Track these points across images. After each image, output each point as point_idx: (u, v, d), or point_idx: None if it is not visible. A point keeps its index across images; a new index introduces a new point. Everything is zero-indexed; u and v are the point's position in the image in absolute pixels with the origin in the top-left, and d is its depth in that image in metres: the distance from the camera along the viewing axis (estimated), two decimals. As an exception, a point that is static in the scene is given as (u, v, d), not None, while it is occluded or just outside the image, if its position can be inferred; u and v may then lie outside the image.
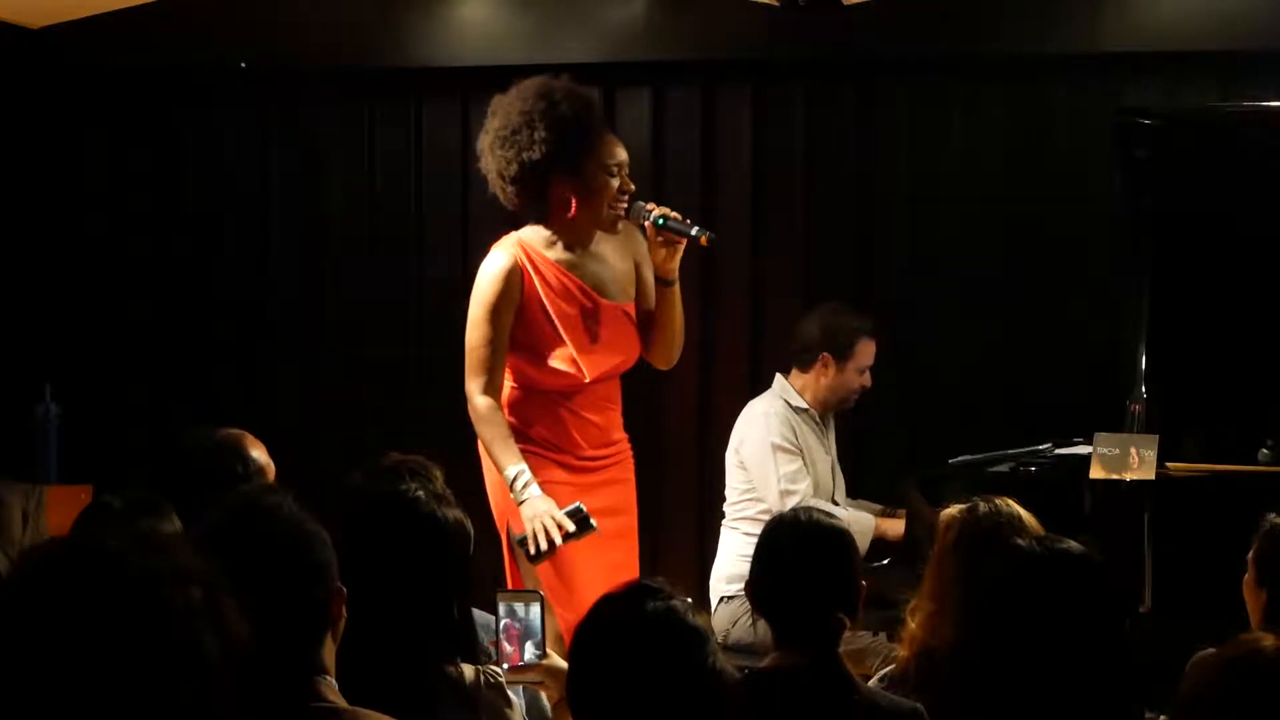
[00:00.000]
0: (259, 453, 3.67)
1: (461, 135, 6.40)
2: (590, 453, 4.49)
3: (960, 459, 5.01)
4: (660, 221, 4.35)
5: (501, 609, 3.26)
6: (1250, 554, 3.39)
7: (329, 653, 2.45)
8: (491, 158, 4.42)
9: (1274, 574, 3.32)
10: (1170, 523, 4.53)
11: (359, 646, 2.59)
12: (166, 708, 1.63)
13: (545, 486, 4.32)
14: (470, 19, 6.25)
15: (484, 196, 6.43)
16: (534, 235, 4.46)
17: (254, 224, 6.53)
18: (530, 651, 3.24)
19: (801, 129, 6.19)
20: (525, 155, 4.34)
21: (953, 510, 3.48)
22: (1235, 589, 3.40)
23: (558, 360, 4.40)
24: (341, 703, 2.43)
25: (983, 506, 3.43)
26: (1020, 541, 2.85)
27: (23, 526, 5.53)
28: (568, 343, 4.40)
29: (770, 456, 5.22)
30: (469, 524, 3.03)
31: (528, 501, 4.22)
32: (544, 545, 4.17)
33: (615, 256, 4.51)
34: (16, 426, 6.23)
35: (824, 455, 5.38)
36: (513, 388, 4.47)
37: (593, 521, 4.21)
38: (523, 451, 4.35)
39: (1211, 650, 2.45)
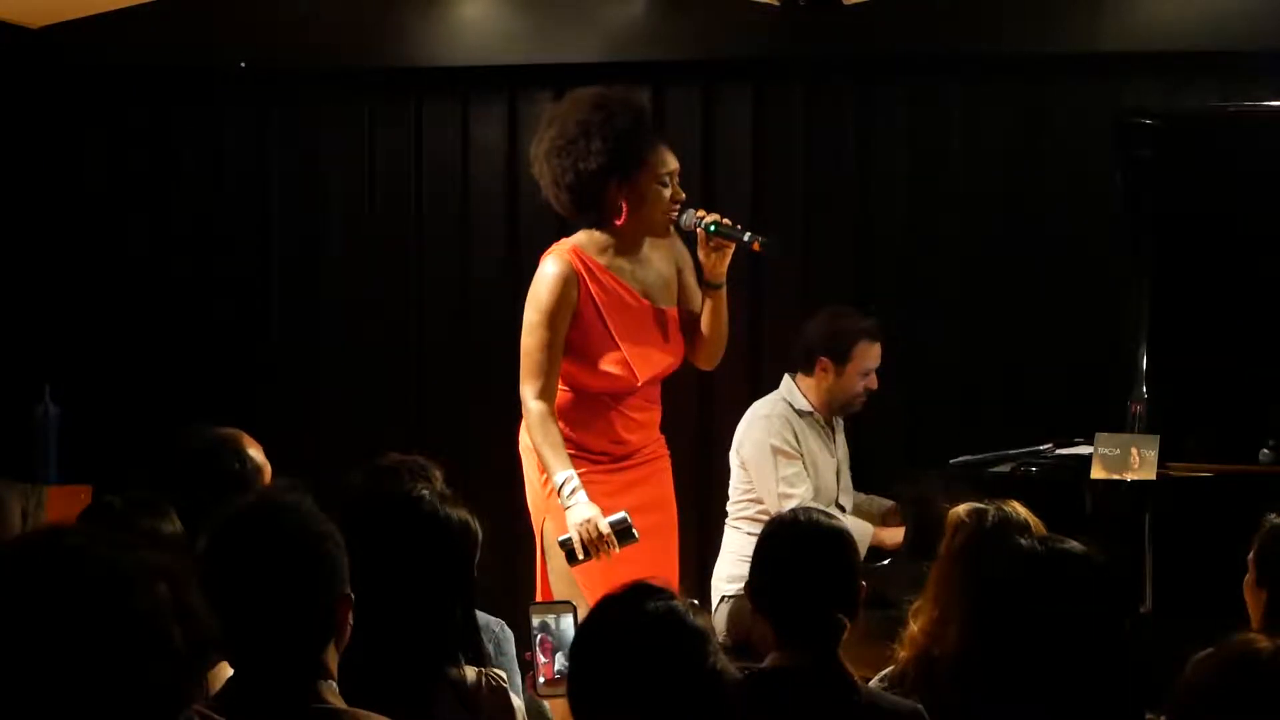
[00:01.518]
0: (256, 452, 3.68)
1: (461, 135, 6.41)
2: (635, 450, 4.60)
3: (960, 459, 5.01)
4: (712, 228, 4.47)
5: (535, 622, 3.25)
6: (1250, 554, 3.39)
7: (332, 657, 2.46)
8: (547, 166, 4.51)
9: (1274, 574, 3.32)
10: (1170, 523, 4.54)
11: (360, 647, 2.58)
12: (130, 702, 1.63)
13: (591, 487, 4.42)
14: (470, 19, 6.25)
15: (484, 196, 6.48)
16: (587, 241, 4.55)
17: (254, 224, 6.53)
18: (562, 664, 3.23)
19: (801, 129, 6.19)
20: (581, 165, 4.44)
21: (959, 513, 3.47)
22: (1235, 589, 3.40)
23: (610, 364, 4.50)
24: (341, 705, 2.43)
25: (990, 511, 3.42)
26: (1022, 541, 2.85)
27: (23, 526, 5.53)
28: (620, 346, 4.50)
29: (769, 459, 5.22)
30: (476, 523, 3.02)
31: (575, 508, 4.34)
32: (587, 554, 4.33)
33: (661, 262, 4.64)
34: (16, 426, 6.23)
35: (828, 458, 5.37)
36: (563, 391, 4.52)
37: (635, 532, 4.33)
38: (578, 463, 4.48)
39: (1211, 650, 2.45)
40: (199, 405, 6.26)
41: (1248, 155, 5.10)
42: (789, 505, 4.98)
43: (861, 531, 5.13)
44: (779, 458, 5.22)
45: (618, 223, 4.49)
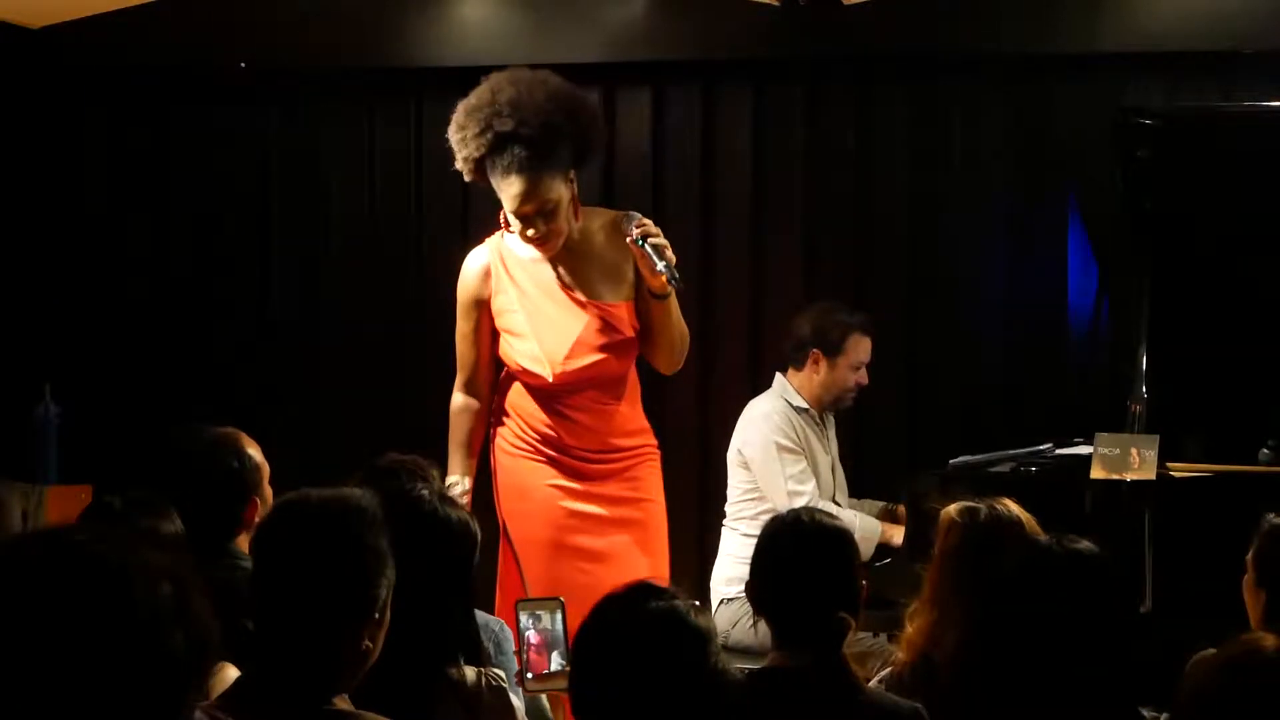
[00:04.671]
0: (254, 451, 3.68)
1: (461, 135, 6.40)
2: (585, 454, 4.46)
3: (960, 459, 5.01)
4: (640, 242, 4.30)
5: (523, 618, 3.26)
6: (1250, 554, 3.39)
7: (350, 672, 2.46)
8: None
9: (1274, 574, 3.32)
10: (1170, 523, 4.53)
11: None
12: (133, 702, 1.63)
13: (539, 489, 4.40)
14: (470, 19, 6.25)
15: (484, 196, 6.47)
16: (512, 234, 4.47)
17: (254, 224, 6.53)
18: (556, 660, 3.23)
19: (801, 129, 6.19)
20: (462, 164, 4.42)
21: (951, 512, 3.47)
22: (1235, 589, 3.40)
23: (525, 358, 4.42)
24: (350, 708, 2.44)
25: (983, 510, 3.42)
26: (1038, 539, 2.85)
27: (23, 526, 5.53)
28: (533, 340, 4.40)
29: (775, 458, 5.22)
30: (475, 524, 3.02)
31: None
32: None
33: (611, 255, 4.45)
34: (16, 426, 6.23)
35: (824, 455, 5.37)
36: (515, 383, 4.49)
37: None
38: (518, 451, 4.44)
39: (1211, 650, 2.45)
40: (199, 405, 6.26)
41: (1248, 155, 5.10)
42: (799, 502, 4.98)
43: (870, 528, 5.13)
44: (785, 455, 5.22)
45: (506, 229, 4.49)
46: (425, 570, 2.87)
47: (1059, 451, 4.98)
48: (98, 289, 6.53)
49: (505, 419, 4.50)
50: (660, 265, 4.26)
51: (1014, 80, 6.07)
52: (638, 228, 4.32)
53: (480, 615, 3.21)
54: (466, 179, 4.47)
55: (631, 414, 4.54)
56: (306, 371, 6.48)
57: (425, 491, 3.02)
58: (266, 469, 3.68)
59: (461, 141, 4.38)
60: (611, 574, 4.23)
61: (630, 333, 4.44)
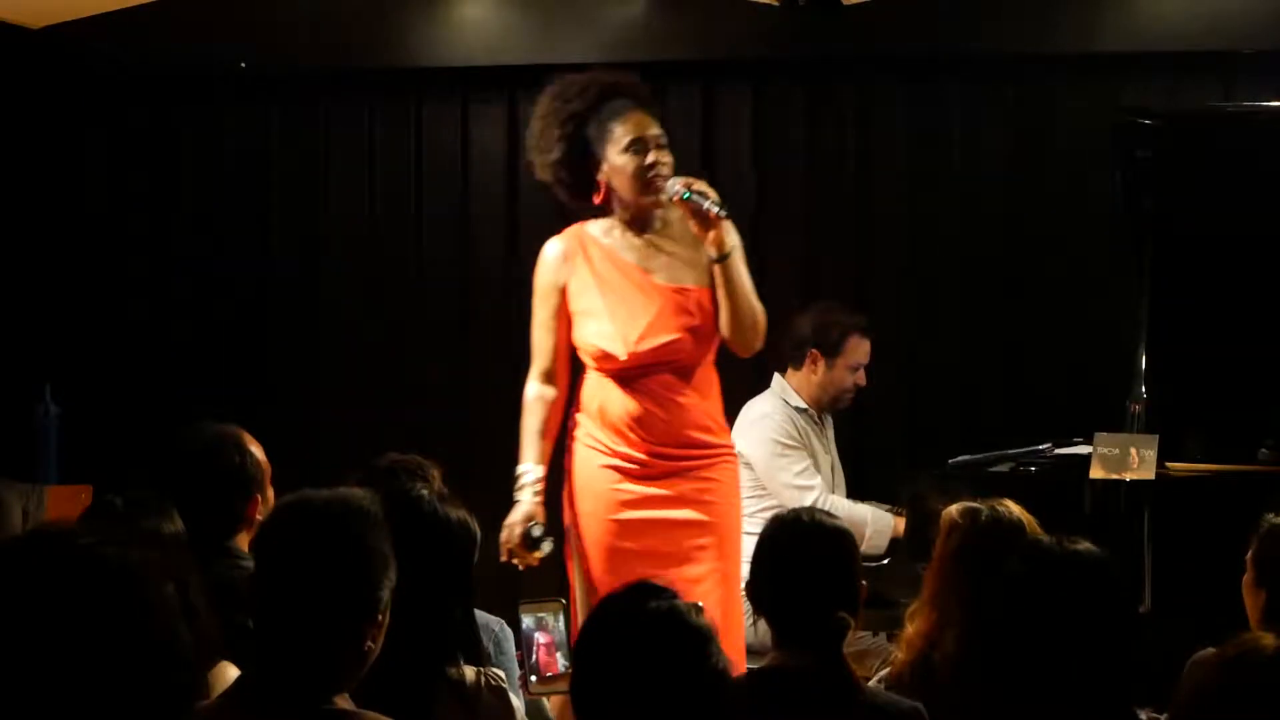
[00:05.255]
0: (256, 449, 3.68)
1: (461, 135, 6.41)
2: (657, 450, 4.35)
3: (960, 459, 5.01)
4: (686, 195, 4.27)
5: (527, 620, 3.25)
6: (1249, 554, 3.39)
7: (351, 672, 2.46)
8: (535, 167, 4.47)
9: (1273, 574, 3.32)
10: (1170, 523, 4.53)
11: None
12: (142, 700, 1.63)
13: (608, 491, 4.32)
14: (470, 19, 6.25)
15: (484, 196, 6.48)
16: (593, 224, 4.47)
17: (254, 224, 6.53)
18: (562, 661, 3.23)
19: (801, 129, 6.19)
20: (548, 158, 4.40)
21: (952, 513, 3.47)
22: (1235, 589, 3.40)
23: (599, 338, 4.36)
24: (350, 708, 2.44)
25: (984, 511, 3.42)
26: (1037, 541, 2.85)
27: (23, 527, 5.53)
28: (608, 319, 4.36)
29: (778, 457, 5.22)
30: (474, 524, 3.02)
31: (515, 506, 4.29)
32: (504, 556, 4.26)
33: (689, 242, 4.41)
34: (16, 426, 6.23)
35: (825, 455, 5.38)
36: (589, 374, 4.43)
37: (545, 546, 4.23)
38: (591, 452, 4.35)
39: (1211, 650, 2.45)
40: (199, 405, 6.25)
41: (1248, 155, 5.09)
42: (809, 498, 4.99)
43: (883, 522, 5.12)
44: (787, 453, 5.22)
45: (596, 199, 4.41)
46: (425, 570, 2.87)
47: (1058, 451, 4.98)
48: (98, 289, 6.53)
49: (579, 417, 4.43)
50: (706, 204, 4.24)
51: (1014, 80, 6.08)
52: (683, 184, 4.30)
53: (480, 615, 3.21)
54: (552, 157, 4.38)
55: (708, 410, 4.44)
56: (306, 371, 6.48)
57: (425, 491, 3.01)
58: (269, 468, 3.68)
59: (559, 106, 4.38)
60: (679, 577, 4.15)
61: (708, 319, 4.38)
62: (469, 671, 2.93)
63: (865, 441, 5.95)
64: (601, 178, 4.37)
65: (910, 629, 3.41)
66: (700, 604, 2.45)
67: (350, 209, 6.47)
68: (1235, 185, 5.08)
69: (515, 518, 4.26)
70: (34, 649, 1.61)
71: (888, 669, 3.49)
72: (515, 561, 4.29)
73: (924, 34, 6.03)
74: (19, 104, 6.48)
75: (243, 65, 6.38)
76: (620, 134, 4.33)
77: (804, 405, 5.34)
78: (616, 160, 4.33)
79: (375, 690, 2.58)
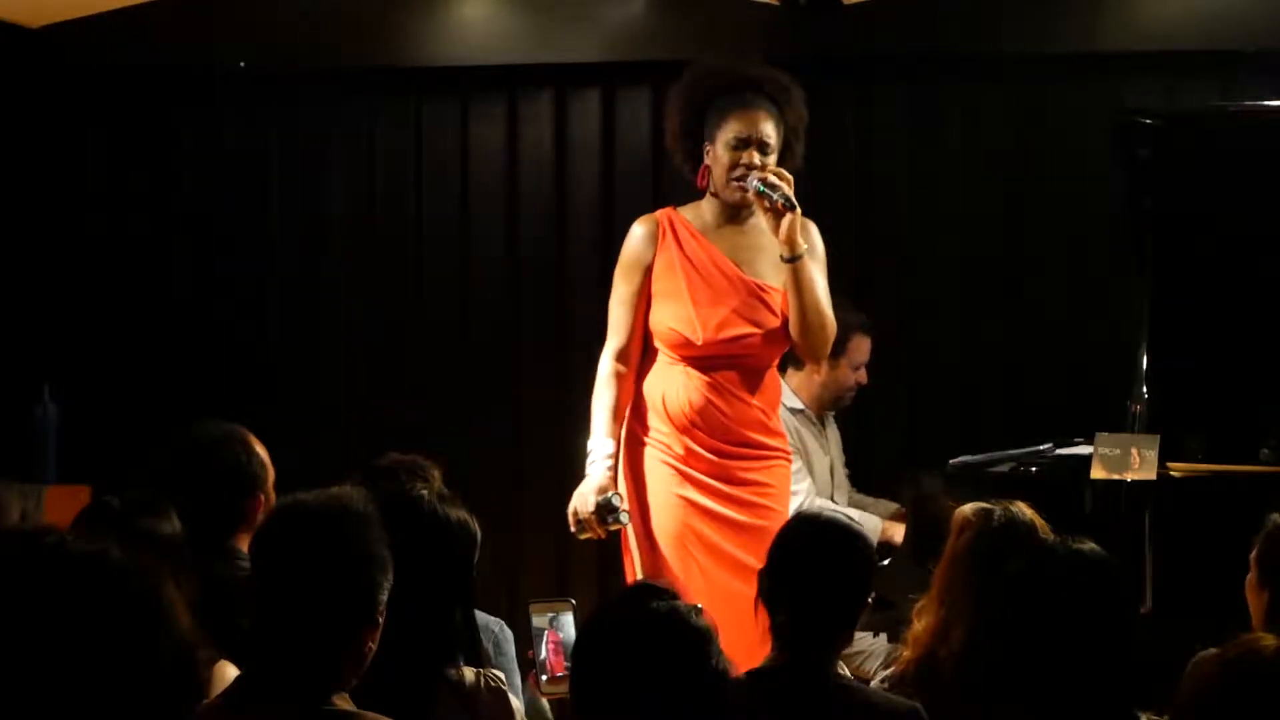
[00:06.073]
0: (261, 450, 3.68)
1: (461, 135, 6.41)
2: (716, 447, 4.35)
3: (960, 459, 5.01)
4: (761, 189, 4.31)
5: (537, 620, 3.25)
6: (1252, 554, 3.39)
7: (349, 673, 2.46)
8: (666, 134, 4.63)
9: (1276, 574, 3.32)
10: (1171, 523, 4.53)
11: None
12: (146, 699, 1.63)
13: (664, 488, 4.32)
14: (470, 19, 6.25)
15: (484, 196, 6.48)
16: (688, 208, 4.53)
17: (254, 224, 6.53)
18: (568, 662, 3.22)
19: (801, 129, 6.18)
20: (670, 138, 4.56)
21: (965, 512, 3.47)
22: (1236, 589, 3.40)
23: (676, 320, 4.37)
24: (350, 708, 2.44)
25: (998, 511, 3.42)
26: (1045, 541, 2.85)
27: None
28: (688, 303, 4.37)
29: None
30: (475, 524, 3.02)
31: (586, 478, 4.29)
32: (581, 528, 4.27)
33: (777, 245, 4.40)
34: (16, 426, 6.23)
35: (822, 456, 5.37)
36: (656, 363, 4.44)
37: (623, 517, 4.23)
38: (649, 447, 4.36)
39: (1212, 650, 2.45)
40: (199, 405, 6.25)
41: (1248, 155, 5.09)
42: (795, 502, 4.99)
43: (870, 526, 5.12)
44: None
45: (700, 183, 4.49)
46: (425, 570, 2.87)
47: (1059, 451, 4.98)
48: (97, 289, 6.53)
49: (641, 407, 4.42)
50: (775, 195, 4.28)
51: (1014, 80, 6.07)
52: (754, 179, 4.33)
53: (480, 616, 3.21)
54: (672, 131, 4.51)
55: (767, 414, 4.45)
56: (306, 371, 6.47)
57: (425, 492, 3.01)
58: (272, 471, 3.68)
59: (694, 85, 4.48)
60: (728, 576, 4.24)
61: (781, 321, 4.39)
62: (469, 672, 2.93)
63: (865, 441, 5.94)
64: (706, 163, 4.45)
65: (918, 625, 3.41)
66: (700, 605, 2.45)
67: (350, 209, 6.47)
68: (1236, 185, 5.08)
69: (589, 487, 4.25)
70: (19, 652, 1.60)
71: (890, 669, 3.48)
72: (585, 535, 4.29)
73: (924, 34, 6.03)
74: (18, 103, 6.48)
75: (242, 65, 6.37)
76: (728, 128, 4.40)
77: (801, 406, 5.34)
78: (718, 151, 4.41)
79: (375, 691, 2.58)
